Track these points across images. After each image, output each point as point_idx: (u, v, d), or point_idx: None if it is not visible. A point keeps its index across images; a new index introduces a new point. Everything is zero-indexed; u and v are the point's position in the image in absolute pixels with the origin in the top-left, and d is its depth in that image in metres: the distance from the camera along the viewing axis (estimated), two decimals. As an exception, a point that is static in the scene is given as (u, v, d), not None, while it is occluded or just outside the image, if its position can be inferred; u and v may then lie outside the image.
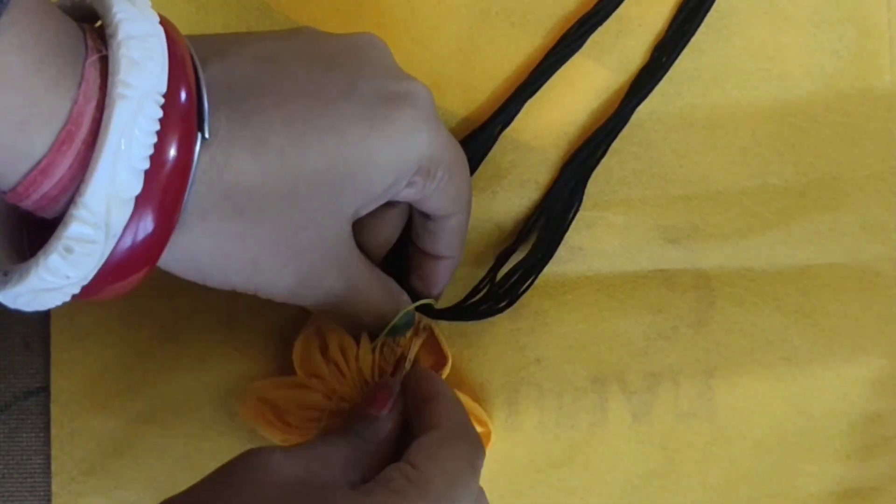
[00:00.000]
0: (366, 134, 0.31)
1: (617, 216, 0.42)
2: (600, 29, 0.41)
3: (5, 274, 0.28)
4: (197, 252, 0.30)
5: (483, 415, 0.40)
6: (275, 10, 0.42)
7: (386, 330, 0.38)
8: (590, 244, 0.42)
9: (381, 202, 0.34)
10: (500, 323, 0.41)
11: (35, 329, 0.42)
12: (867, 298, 0.42)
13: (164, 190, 0.28)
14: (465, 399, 0.40)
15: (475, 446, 0.34)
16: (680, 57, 0.41)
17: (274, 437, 0.39)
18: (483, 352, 0.41)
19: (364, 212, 0.34)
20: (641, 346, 0.41)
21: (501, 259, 0.41)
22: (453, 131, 0.41)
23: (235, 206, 0.30)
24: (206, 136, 0.29)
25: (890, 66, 0.42)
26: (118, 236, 0.27)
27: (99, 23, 0.28)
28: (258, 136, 0.30)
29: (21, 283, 0.27)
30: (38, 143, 0.26)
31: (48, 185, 0.26)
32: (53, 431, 0.41)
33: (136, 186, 0.27)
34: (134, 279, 0.29)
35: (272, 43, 0.32)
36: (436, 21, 0.42)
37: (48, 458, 0.41)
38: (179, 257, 0.30)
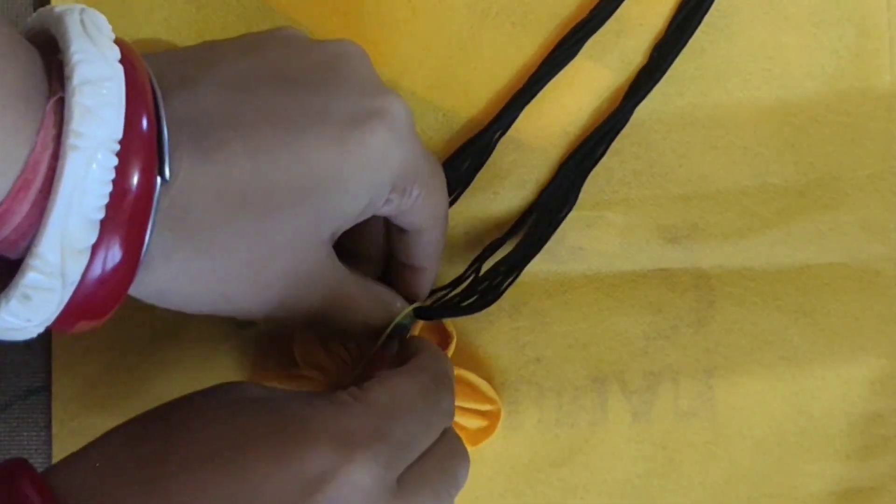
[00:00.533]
0: (336, 159, 0.31)
1: (617, 216, 0.42)
2: (601, 29, 0.41)
3: None
4: (164, 290, 0.30)
5: (491, 391, 0.40)
6: (275, 10, 0.42)
7: (382, 338, 0.38)
8: (590, 244, 0.42)
9: (358, 220, 0.33)
10: (500, 322, 0.41)
11: (36, 328, 0.42)
12: (867, 298, 0.42)
13: (125, 230, 0.27)
14: (472, 377, 0.40)
15: (438, 382, 0.34)
16: (680, 56, 0.41)
17: None
18: (482, 351, 0.41)
19: (340, 232, 0.33)
20: (641, 345, 0.41)
21: (488, 252, 0.40)
22: (454, 132, 0.41)
23: (199, 247, 0.29)
24: (167, 178, 0.28)
25: (890, 66, 0.42)
26: (76, 283, 0.27)
27: None
28: (221, 173, 0.29)
29: None
30: None
31: (6, 230, 0.26)
32: (54, 430, 0.41)
33: (91, 237, 0.27)
34: (101, 318, 0.29)
35: (242, 63, 0.31)
36: (436, 21, 0.42)
37: (49, 456, 0.41)
38: (149, 294, 0.30)
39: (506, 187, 0.42)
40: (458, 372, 0.40)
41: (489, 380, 0.41)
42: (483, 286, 0.40)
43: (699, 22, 0.41)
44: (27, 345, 0.42)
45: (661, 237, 0.42)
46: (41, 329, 0.28)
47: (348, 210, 0.32)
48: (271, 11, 0.42)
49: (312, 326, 0.36)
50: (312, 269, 0.33)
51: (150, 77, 0.29)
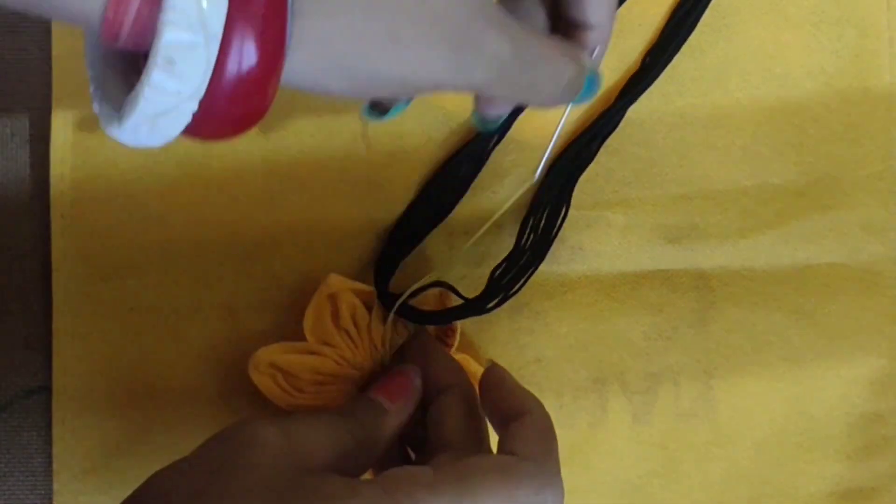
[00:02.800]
0: None
1: (617, 216, 0.42)
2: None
3: (121, 111, 0.26)
4: (330, 39, 0.26)
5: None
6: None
7: (570, 106, 0.34)
8: (590, 244, 0.42)
9: None
10: (500, 323, 0.41)
11: (37, 328, 0.42)
12: (867, 298, 0.42)
13: None
14: (475, 367, 0.40)
15: (539, 488, 0.31)
16: (680, 56, 0.41)
17: (282, 403, 0.39)
18: (483, 351, 0.41)
19: None
20: (642, 346, 0.42)
21: (498, 270, 0.40)
22: (453, 132, 0.41)
23: None
24: None
25: (890, 66, 0.42)
26: (219, 36, 0.24)
27: None
28: None
29: (134, 111, 0.25)
30: None
31: (136, 1, 0.24)
32: (55, 430, 0.41)
33: None
34: (259, 96, 0.26)
35: None
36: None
37: (50, 456, 0.41)
38: (308, 57, 0.26)
39: (505, 187, 0.42)
40: (460, 357, 0.40)
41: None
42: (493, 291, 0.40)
43: (696, 23, 0.41)
44: (27, 344, 0.42)
45: (662, 237, 0.42)
46: (194, 105, 0.25)
47: None
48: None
49: (505, 87, 0.30)
50: (482, 2, 0.29)
51: None
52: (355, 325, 0.39)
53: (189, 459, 0.31)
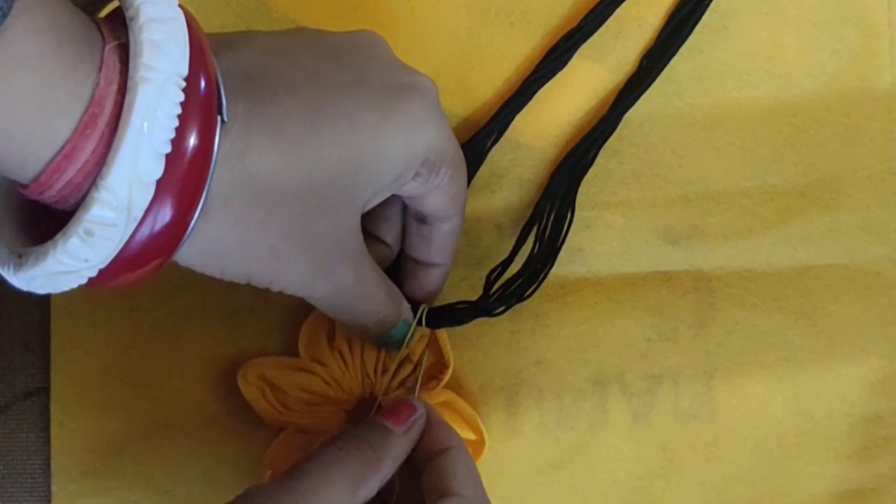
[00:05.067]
0: (377, 123, 0.32)
1: (616, 217, 0.42)
2: (601, 30, 0.41)
3: (20, 256, 0.28)
4: (218, 241, 0.30)
5: (479, 423, 0.40)
6: (274, 10, 0.42)
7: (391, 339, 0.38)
8: (589, 245, 0.42)
9: (389, 193, 0.34)
10: (501, 325, 0.41)
11: (35, 329, 0.42)
12: (867, 299, 0.42)
13: (186, 176, 0.27)
14: (461, 405, 0.40)
15: None
16: (679, 57, 0.41)
17: (268, 418, 0.39)
18: (483, 354, 0.41)
19: (371, 204, 0.34)
20: (642, 347, 0.41)
21: (493, 279, 0.40)
22: (453, 131, 0.41)
23: (256, 193, 0.30)
24: (225, 118, 0.29)
25: (890, 66, 0.42)
26: (138, 220, 0.27)
27: (106, 12, 0.28)
28: (274, 124, 0.30)
29: (37, 265, 0.27)
30: (61, 127, 0.26)
31: (72, 170, 0.26)
32: (53, 432, 0.41)
33: (158, 170, 0.27)
34: (150, 268, 0.29)
35: (278, 38, 0.33)
36: (435, 21, 0.42)
37: (48, 458, 0.41)
38: (200, 248, 0.30)
39: (503, 186, 0.42)
40: (448, 397, 0.40)
41: (488, 383, 0.41)
42: (495, 299, 0.40)
43: (695, 24, 0.41)
44: (26, 345, 0.42)
45: (661, 238, 0.42)
46: (93, 273, 0.28)
47: (384, 175, 0.33)
48: (270, 11, 0.42)
49: (333, 309, 0.36)
50: (349, 236, 0.33)
51: (202, 30, 0.30)
52: (349, 347, 0.39)
53: None
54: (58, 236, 0.27)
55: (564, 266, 0.41)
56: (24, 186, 0.27)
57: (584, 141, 0.41)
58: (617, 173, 0.42)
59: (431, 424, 0.36)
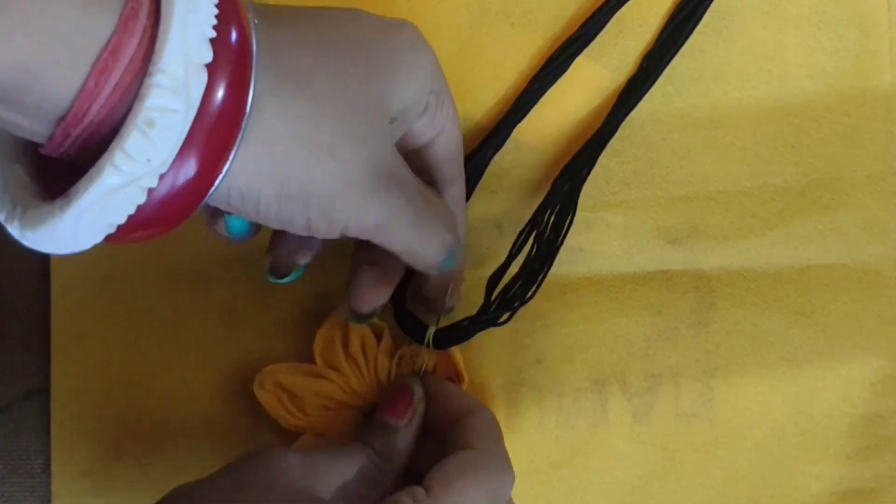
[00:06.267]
0: (382, 42, 0.32)
1: (617, 217, 0.42)
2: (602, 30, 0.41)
3: (66, 195, 0.26)
4: (273, 137, 0.29)
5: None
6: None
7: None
8: (590, 245, 0.42)
9: (411, 121, 0.34)
10: (501, 324, 0.41)
11: (35, 329, 0.42)
12: (867, 299, 0.42)
13: (235, 59, 0.27)
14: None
15: (502, 474, 0.35)
16: (679, 57, 0.41)
17: (285, 423, 0.39)
18: (483, 353, 0.41)
19: (399, 132, 0.33)
20: (642, 347, 0.41)
21: (494, 281, 0.40)
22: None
23: (298, 86, 0.29)
24: (255, 21, 0.28)
25: (890, 66, 0.42)
26: (197, 106, 0.26)
27: None
28: (296, 32, 0.30)
29: (90, 187, 0.26)
30: (103, 22, 0.25)
31: (119, 69, 0.25)
32: (53, 432, 0.41)
33: (208, 53, 0.26)
34: (207, 174, 0.27)
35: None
36: (436, 21, 0.42)
37: (48, 458, 0.41)
38: (256, 152, 0.28)
39: (504, 187, 0.42)
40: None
41: (488, 383, 0.41)
42: (497, 307, 0.39)
43: (696, 24, 0.41)
44: (26, 345, 0.42)
45: (662, 238, 0.42)
46: (153, 182, 0.26)
47: (401, 90, 0.32)
48: (270, 11, 0.42)
49: (389, 237, 0.33)
50: (391, 156, 0.32)
51: None
52: (364, 354, 0.39)
53: (213, 475, 0.33)
54: (112, 143, 0.26)
55: (565, 266, 0.41)
56: (59, 123, 0.26)
57: (588, 145, 0.41)
58: (618, 173, 0.42)
59: (451, 394, 0.37)
